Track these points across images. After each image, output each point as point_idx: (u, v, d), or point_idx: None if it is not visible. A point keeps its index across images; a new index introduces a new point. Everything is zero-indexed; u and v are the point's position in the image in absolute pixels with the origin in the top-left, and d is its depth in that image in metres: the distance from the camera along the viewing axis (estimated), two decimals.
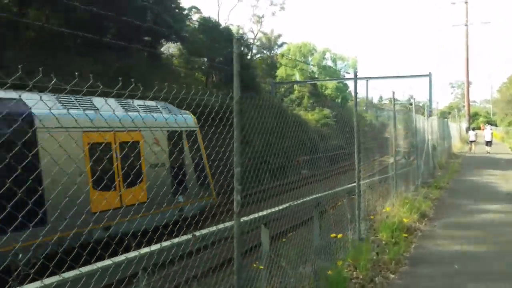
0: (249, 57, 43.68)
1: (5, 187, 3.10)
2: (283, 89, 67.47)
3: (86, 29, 20.51)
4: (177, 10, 32.67)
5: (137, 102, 11.08)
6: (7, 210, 3.29)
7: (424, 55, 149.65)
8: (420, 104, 16.09)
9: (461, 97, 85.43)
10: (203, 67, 39.31)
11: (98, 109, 8.94)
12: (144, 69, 24.56)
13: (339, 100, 64.67)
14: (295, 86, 66.76)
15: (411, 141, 13.70)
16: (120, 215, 6.45)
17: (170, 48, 38.88)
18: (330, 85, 64.31)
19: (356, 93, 7.71)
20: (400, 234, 7.72)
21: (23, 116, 6.97)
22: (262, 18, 38.79)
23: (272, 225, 6.29)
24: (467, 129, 46.60)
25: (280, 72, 66.59)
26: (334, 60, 67.52)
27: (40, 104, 5.83)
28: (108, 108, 7.92)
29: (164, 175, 10.74)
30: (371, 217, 8.63)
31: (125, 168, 9.00)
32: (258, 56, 68.02)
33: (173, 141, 11.27)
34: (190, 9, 38.60)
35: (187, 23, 37.92)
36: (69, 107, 8.93)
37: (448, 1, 47.40)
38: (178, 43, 33.78)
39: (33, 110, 7.02)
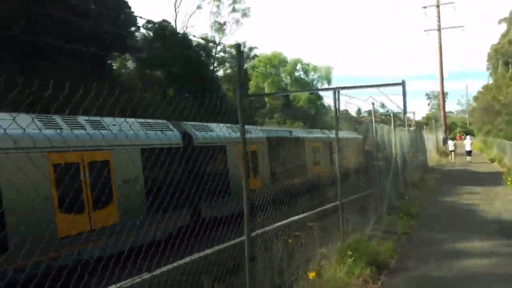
0: (211, 67, 40.81)
1: None
2: (258, 104, 64.89)
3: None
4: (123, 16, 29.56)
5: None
6: None
7: (399, 64, 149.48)
8: (391, 114, 13.17)
9: (438, 107, 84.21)
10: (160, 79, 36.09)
11: None
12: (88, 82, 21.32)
13: (313, 112, 62.13)
14: (266, 100, 64.10)
15: (369, 157, 10.84)
16: None
17: (128, 60, 35.79)
18: (303, 97, 61.71)
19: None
20: None
21: None
22: (224, 25, 35.92)
23: None
24: (444, 140, 44.42)
25: (252, 85, 63.83)
26: (305, 71, 65.10)
27: None
28: None
29: None
30: None
31: None
32: (225, 68, 65.43)
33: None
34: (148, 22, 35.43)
35: (142, 31, 34.89)
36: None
37: (420, 6, 45.41)
38: (127, 54, 30.49)
39: None
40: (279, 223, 5.80)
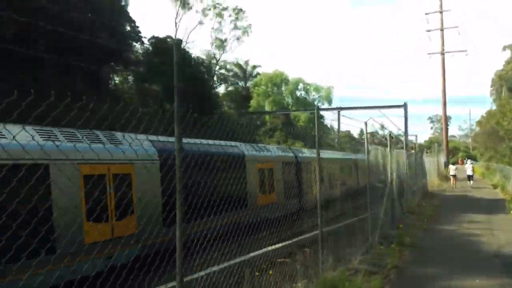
0: (211, 83, 40.25)
1: None
2: (258, 122, 64.31)
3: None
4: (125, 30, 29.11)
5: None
6: None
7: (402, 88, 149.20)
8: (387, 136, 12.30)
9: (441, 131, 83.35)
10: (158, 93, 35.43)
11: None
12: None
13: (313, 132, 61.04)
14: (267, 118, 63.52)
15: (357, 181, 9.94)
16: None
17: (129, 75, 35.23)
18: (302, 117, 61.01)
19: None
20: None
21: None
22: (225, 42, 35.39)
23: None
24: (446, 164, 43.44)
25: (254, 103, 63.34)
26: (307, 91, 64.59)
27: None
28: None
29: None
30: None
31: None
32: (229, 86, 65.10)
33: None
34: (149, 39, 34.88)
35: (140, 45, 34.39)
36: None
37: (424, 28, 44.92)
38: (121, 67, 29.90)
39: None
40: (228, 263, 4.89)
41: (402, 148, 15.33)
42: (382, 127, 18.67)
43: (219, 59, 38.14)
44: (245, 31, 36.12)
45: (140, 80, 34.14)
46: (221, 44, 36.03)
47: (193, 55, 38.11)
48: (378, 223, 10.86)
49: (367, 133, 10.88)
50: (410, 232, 11.85)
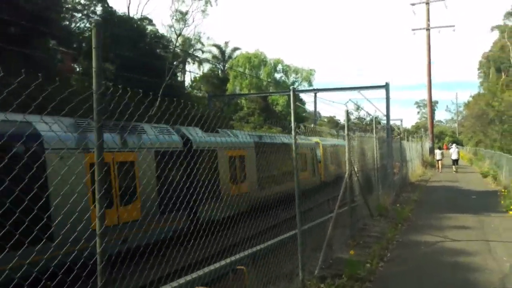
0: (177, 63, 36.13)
1: None
2: (236, 106, 60.68)
3: None
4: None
5: None
6: None
7: (388, 73, 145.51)
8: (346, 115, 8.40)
9: (428, 117, 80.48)
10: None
11: None
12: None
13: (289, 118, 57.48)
14: (244, 102, 59.82)
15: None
16: None
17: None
18: (281, 101, 57.26)
19: None
20: None
21: None
22: (186, 15, 31.29)
23: None
24: (431, 150, 40.28)
25: (230, 87, 59.62)
26: (286, 73, 60.78)
27: None
28: None
29: None
30: None
31: None
32: (204, 69, 61.20)
33: None
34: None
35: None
36: None
37: (408, 3, 41.19)
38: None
39: None
40: None
41: (365, 131, 11.70)
42: (358, 108, 15.27)
43: (179, 33, 33.89)
44: (207, 1, 32.08)
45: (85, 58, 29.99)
46: (183, 17, 31.99)
47: (150, 29, 33.95)
48: (322, 243, 7.25)
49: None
50: (372, 252, 8.24)
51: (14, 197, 3.17)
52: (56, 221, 5.23)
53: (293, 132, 6.26)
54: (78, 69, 30.69)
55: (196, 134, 12.06)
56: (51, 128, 7.15)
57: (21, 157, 3.78)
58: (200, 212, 10.77)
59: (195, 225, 7.80)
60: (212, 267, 5.92)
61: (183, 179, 6.20)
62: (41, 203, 3.62)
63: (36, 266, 3.76)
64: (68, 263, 3.68)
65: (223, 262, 5.69)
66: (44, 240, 4.06)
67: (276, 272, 6.14)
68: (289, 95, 6.30)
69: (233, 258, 5.80)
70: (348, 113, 9.04)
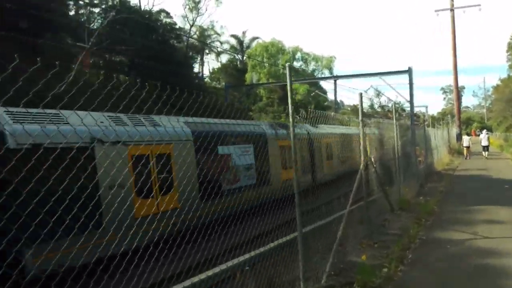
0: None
1: None
2: (256, 97, 59.93)
3: None
4: None
5: None
6: None
7: (413, 60, 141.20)
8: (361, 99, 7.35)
9: (454, 102, 77.69)
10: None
11: None
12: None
13: (312, 107, 56.16)
14: (263, 92, 58.82)
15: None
16: None
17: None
18: (301, 89, 55.82)
19: None
20: None
21: None
22: (199, 3, 30.29)
23: None
24: (458, 136, 38.51)
25: (248, 77, 58.66)
26: (305, 61, 59.28)
27: None
28: None
29: None
30: None
31: None
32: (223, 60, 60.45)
33: None
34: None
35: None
36: None
37: None
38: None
39: None
40: None
41: (385, 118, 10.61)
42: (378, 94, 14.19)
43: (193, 23, 33.05)
44: None
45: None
46: (195, 6, 30.99)
47: (165, 21, 33.22)
48: (332, 248, 6.32)
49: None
50: (391, 253, 7.25)
51: None
52: None
53: (290, 118, 5.34)
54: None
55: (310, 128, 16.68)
56: None
57: None
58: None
59: None
60: None
61: None
62: None
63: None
64: None
65: None
66: None
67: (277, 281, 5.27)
68: (289, 76, 5.20)
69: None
70: (361, 96, 8.01)
